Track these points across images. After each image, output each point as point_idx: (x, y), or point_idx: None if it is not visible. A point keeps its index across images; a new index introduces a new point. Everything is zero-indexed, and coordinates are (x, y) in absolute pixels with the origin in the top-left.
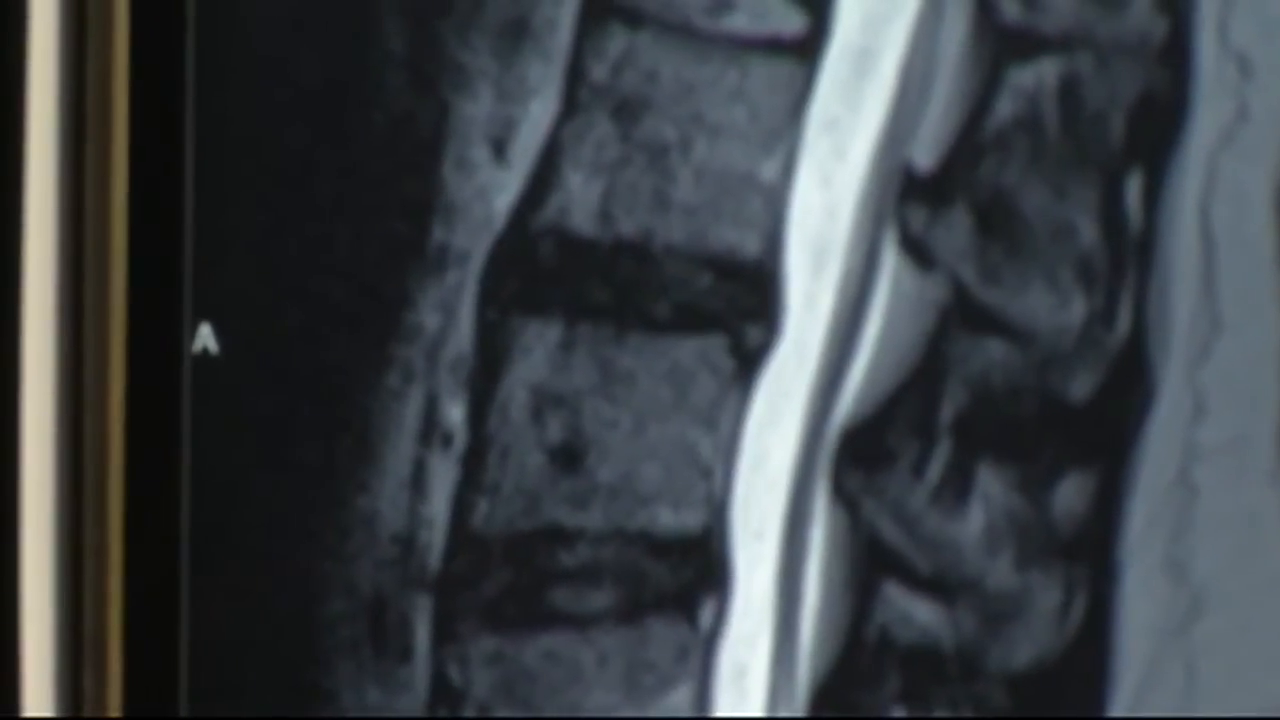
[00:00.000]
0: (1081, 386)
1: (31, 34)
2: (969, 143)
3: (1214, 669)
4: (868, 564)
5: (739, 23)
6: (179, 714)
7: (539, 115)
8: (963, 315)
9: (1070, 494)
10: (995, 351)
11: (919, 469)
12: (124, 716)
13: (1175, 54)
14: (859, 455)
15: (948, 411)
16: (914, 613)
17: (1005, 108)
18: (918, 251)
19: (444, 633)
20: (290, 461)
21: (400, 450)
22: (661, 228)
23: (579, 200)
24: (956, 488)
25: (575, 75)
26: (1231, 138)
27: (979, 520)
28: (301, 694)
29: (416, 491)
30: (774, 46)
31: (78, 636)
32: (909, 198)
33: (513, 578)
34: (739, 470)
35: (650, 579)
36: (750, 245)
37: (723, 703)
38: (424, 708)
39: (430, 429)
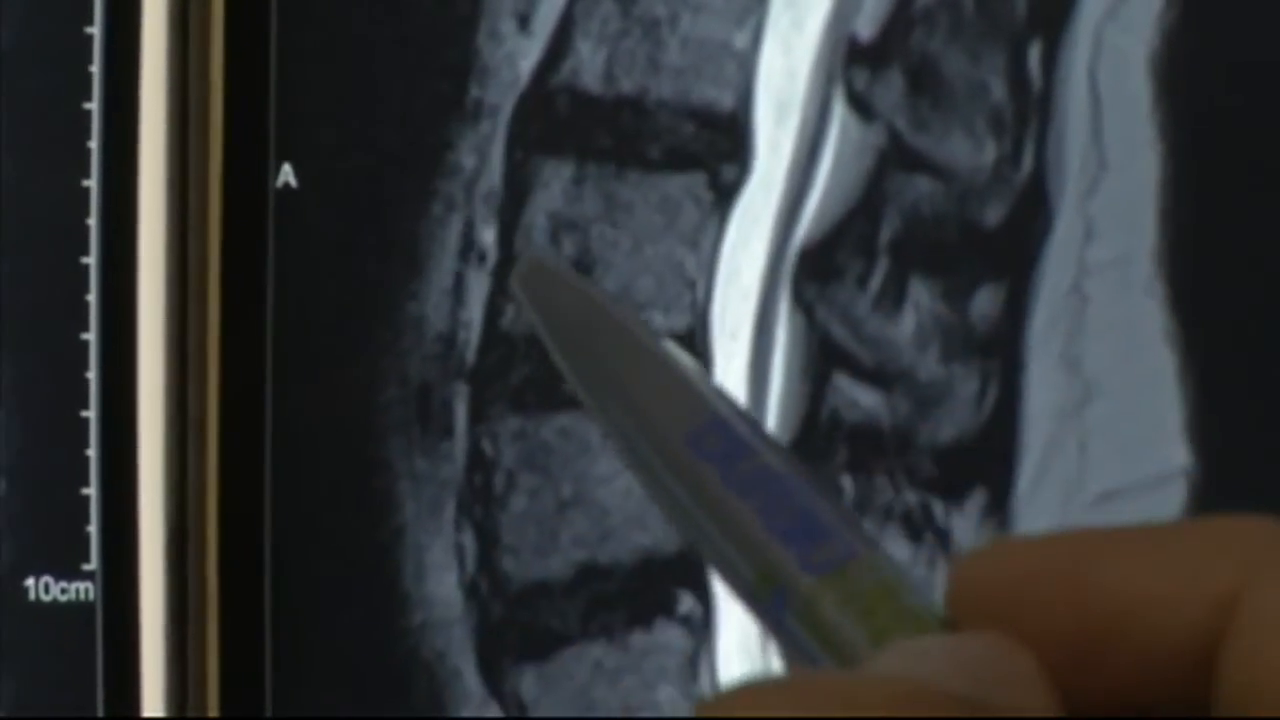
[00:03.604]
0: (993, 215)
1: None
2: (902, 17)
3: (1102, 445)
4: (821, 358)
5: None
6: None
7: None
8: (897, 157)
9: (985, 302)
10: (923, 187)
11: (862, 282)
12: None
13: None
14: (814, 270)
15: (885, 235)
16: (859, 398)
17: None
18: (861, 106)
19: (478, 414)
20: (354, 274)
21: (443, 266)
22: (654, 86)
23: (588, 64)
24: (893, 297)
25: None
26: (1115, 13)
27: (911, 323)
28: (364, 464)
29: (456, 299)
30: None
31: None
32: (854, 62)
33: (534, 370)
34: (717, 283)
35: None
36: (726, 100)
37: None
38: (462, 473)
39: (468, 248)
